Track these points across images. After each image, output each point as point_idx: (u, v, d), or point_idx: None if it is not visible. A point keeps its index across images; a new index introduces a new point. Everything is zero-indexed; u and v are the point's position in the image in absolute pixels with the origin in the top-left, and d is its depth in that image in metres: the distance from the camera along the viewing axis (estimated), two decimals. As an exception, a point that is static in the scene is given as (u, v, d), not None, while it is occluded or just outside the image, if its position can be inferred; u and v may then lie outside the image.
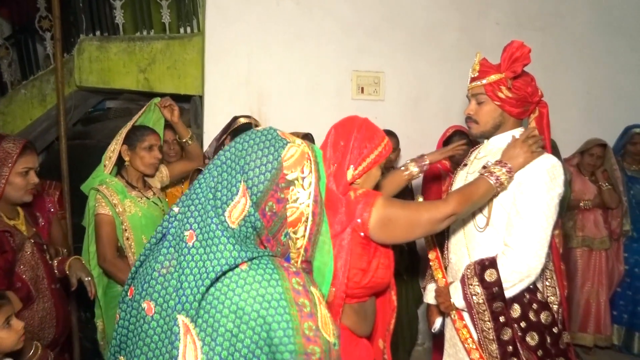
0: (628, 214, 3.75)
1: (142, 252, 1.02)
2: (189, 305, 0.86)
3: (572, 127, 3.86)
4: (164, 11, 4.06)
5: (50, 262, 2.12)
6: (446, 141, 3.28)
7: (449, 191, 2.00)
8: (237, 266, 0.90)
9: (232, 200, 0.92)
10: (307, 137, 2.94)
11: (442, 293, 1.85)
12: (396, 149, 3.21)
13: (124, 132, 2.43)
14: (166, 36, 4.03)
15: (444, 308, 1.85)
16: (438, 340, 2.25)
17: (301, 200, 0.98)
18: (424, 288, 2.11)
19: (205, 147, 3.39)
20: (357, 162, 1.54)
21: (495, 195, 1.72)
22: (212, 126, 3.48)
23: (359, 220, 1.47)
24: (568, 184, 3.69)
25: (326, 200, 1.36)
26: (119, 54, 4.09)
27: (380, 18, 3.73)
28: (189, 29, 3.98)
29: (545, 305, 1.77)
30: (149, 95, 4.62)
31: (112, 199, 2.31)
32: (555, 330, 1.76)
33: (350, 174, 1.54)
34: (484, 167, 1.67)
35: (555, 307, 1.80)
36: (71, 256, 2.19)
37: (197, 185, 0.97)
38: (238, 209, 0.92)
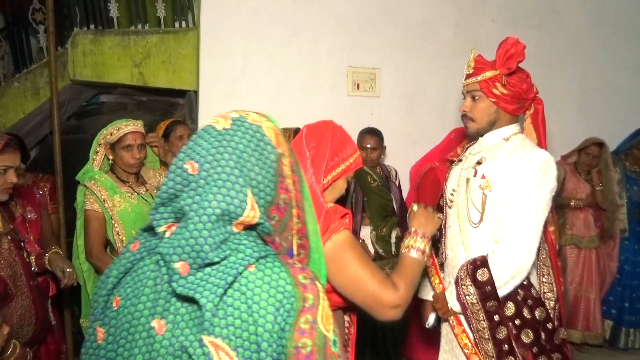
0: (626, 214, 3.77)
1: (121, 262, 0.97)
2: (207, 324, 0.84)
3: (567, 125, 3.88)
4: (159, 5, 4.04)
5: (27, 259, 2.09)
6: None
7: (446, 187, 2.00)
8: (245, 269, 0.87)
9: (242, 217, 0.88)
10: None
11: (439, 299, 1.85)
12: (377, 148, 3.17)
13: (99, 135, 2.44)
14: (161, 30, 4.01)
15: (442, 314, 1.85)
16: (431, 335, 2.25)
17: (287, 174, 0.98)
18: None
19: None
20: (326, 171, 1.41)
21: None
22: (207, 121, 3.46)
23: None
24: (561, 181, 3.70)
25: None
26: (113, 47, 4.06)
27: (376, 14, 3.72)
28: (184, 23, 3.95)
29: (539, 301, 1.77)
30: (143, 90, 4.61)
31: (100, 195, 2.34)
32: (549, 326, 1.77)
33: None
34: (403, 243, 1.52)
35: (552, 304, 1.81)
36: (52, 250, 2.16)
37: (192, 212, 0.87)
38: (246, 222, 0.89)
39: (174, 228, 0.90)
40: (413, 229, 1.52)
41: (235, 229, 0.88)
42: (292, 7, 3.60)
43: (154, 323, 0.89)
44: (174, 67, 3.87)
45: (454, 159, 2.89)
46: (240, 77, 3.58)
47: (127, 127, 2.40)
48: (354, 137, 3.18)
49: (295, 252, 1.02)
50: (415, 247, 1.48)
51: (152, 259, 0.95)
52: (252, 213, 0.88)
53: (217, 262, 0.85)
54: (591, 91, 4.09)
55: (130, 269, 0.96)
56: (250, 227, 0.91)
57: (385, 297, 1.31)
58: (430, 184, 3.20)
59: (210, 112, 3.53)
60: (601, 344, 3.81)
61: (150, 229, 0.96)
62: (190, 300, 0.86)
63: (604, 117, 4.04)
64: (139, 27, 4.12)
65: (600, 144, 3.71)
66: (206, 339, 0.83)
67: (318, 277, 0.96)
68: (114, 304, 0.95)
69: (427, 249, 1.50)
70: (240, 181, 0.88)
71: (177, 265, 0.85)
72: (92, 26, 4.26)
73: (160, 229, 0.91)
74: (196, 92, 3.63)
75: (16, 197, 2.16)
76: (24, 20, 4.70)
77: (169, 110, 4.84)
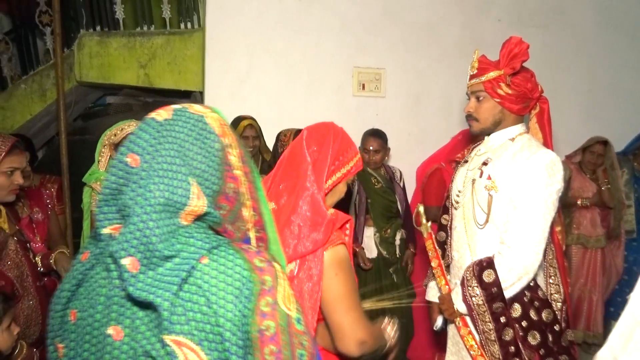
0: (634, 215, 3.74)
1: (72, 273, 0.94)
2: (166, 323, 0.82)
3: (573, 125, 3.86)
4: (165, 6, 4.05)
5: (33, 260, 2.10)
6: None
7: (451, 188, 1.99)
8: (198, 262, 0.85)
9: (188, 206, 0.85)
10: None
11: (446, 300, 1.84)
12: (380, 151, 3.16)
13: (104, 136, 2.44)
14: (166, 31, 4.02)
15: (448, 315, 1.84)
16: (439, 336, 2.25)
17: (235, 164, 0.95)
18: (426, 285, 2.11)
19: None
20: (327, 175, 1.36)
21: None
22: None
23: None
24: (567, 180, 3.68)
25: (310, 210, 1.28)
26: (119, 49, 4.07)
27: (381, 14, 3.72)
28: (189, 25, 3.96)
29: (546, 303, 1.76)
30: (149, 91, 4.63)
31: None
32: (556, 328, 1.76)
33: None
34: None
35: (559, 305, 1.80)
36: (58, 250, 2.17)
37: (134, 203, 0.84)
38: (193, 212, 0.86)
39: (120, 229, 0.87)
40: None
41: (183, 221, 0.86)
42: (296, 8, 3.60)
43: (109, 330, 0.87)
44: (180, 68, 3.88)
45: (461, 160, 2.90)
46: (245, 77, 3.59)
47: (130, 127, 2.40)
48: (359, 138, 3.21)
49: (254, 244, 1.00)
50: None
51: (103, 265, 0.92)
52: (199, 202, 0.86)
53: (168, 257, 0.83)
54: (597, 91, 4.06)
55: (82, 279, 0.94)
56: (199, 219, 0.89)
57: (358, 324, 1.25)
58: (436, 185, 3.20)
59: (216, 113, 3.54)
60: (601, 343, 3.77)
61: (98, 236, 0.93)
62: (146, 302, 0.83)
63: (610, 117, 4.02)
64: (145, 28, 4.13)
65: (605, 142, 3.69)
66: (167, 339, 0.82)
67: (276, 258, 0.94)
68: (71, 318, 0.92)
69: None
70: (183, 170, 0.86)
71: (126, 261, 0.82)
72: (98, 28, 4.28)
73: (104, 231, 0.88)
74: (201, 93, 3.64)
75: (24, 198, 2.18)
76: (31, 22, 4.72)
77: (175, 111, 4.84)
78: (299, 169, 1.35)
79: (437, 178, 3.22)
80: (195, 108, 0.95)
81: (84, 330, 0.90)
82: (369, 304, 1.55)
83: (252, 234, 1.00)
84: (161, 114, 0.92)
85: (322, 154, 1.37)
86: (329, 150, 1.37)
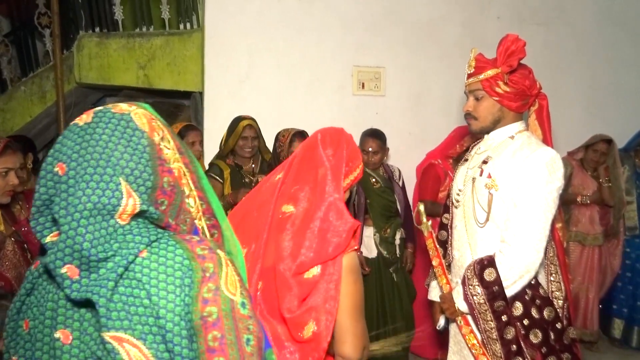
0: (636, 212, 3.73)
1: (24, 283, 0.94)
2: (104, 319, 0.81)
3: (574, 123, 3.85)
4: (164, 7, 4.04)
5: (30, 260, 2.10)
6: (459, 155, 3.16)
7: (451, 186, 1.99)
8: (136, 257, 0.84)
9: (120, 206, 0.84)
10: (302, 135, 2.96)
11: (447, 299, 1.83)
12: (379, 151, 3.14)
13: None
14: (166, 32, 4.01)
15: (450, 314, 1.83)
16: (441, 335, 2.24)
17: (171, 157, 0.94)
18: (428, 285, 2.10)
19: (206, 143, 3.38)
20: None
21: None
22: (213, 123, 3.47)
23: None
24: (567, 177, 3.67)
25: (334, 216, 1.28)
26: (118, 50, 4.07)
27: (382, 13, 3.71)
28: (188, 25, 3.96)
29: (548, 301, 1.76)
30: (149, 92, 4.62)
31: None
32: (558, 326, 1.75)
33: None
34: None
35: (560, 302, 1.79)
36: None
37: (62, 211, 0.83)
38: (127, 211, 0.85)
39: None
40: None
41: (121, 222, 0.85)
42: (296, 8, 3.60)
43: (57, 334, 0.86)
44: (179, 69, 3.88)
45: (454, 156, 2.90)
46: (245, 78, 3.58)
47: None
48: (359, 137, 3.21)
49: (207, 233, 1.00)
50: None
51: (43, 270, 0.92)
52: (130, 201, 0.85)
53: (106, 258, 0.82)
54: (598, 89, 4.05)
55: (31, 288, 0.93)
56: (139, 217, 0.88)
57: (355, 342, 1.28)
58: (432, 181, 3.25)
59: (216, 114, 3.55)
60: (596, 340, 3.77)
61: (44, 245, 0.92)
62: (89, 303, 0.83)
63: (611, 115, 4.01)
64: (144, 29, 4.13)
65: (609, 141, 3.67)
66: (106, 335, 0.81)
67: (219, 245, 0.94)
68: (24, 328, 0.92)
69: None
70: (109, 171, 0.85)
71: (64, 270, 0.81)
72: (97, 29, 4.28)
73: (46, 240, 0.87)
74: (201, 94, 3.63)
75: (22, 200, 2.18)
76: (30, 24, 4.72)
77: (174, 112, 4.85)
78: (316, 173, 1.35)
79: (431, 174, 3.27)
80: (119, 107, 0.93)
81: (36, 337, 0.89)
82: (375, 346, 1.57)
83: (203, 223, 1.00)
84: (82, 118, 0.91)
85: (337, 159, 1.37)
86: (342, 156, 1.37)
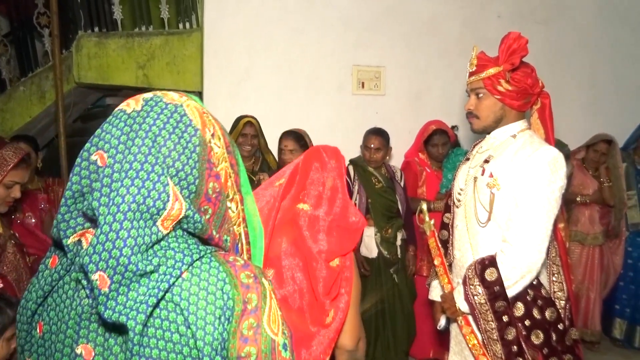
0: (638, 208, 3.71)
1: (39, 282, 0.84)
2: (137, 347, 0.73)
3: (576, 121, 3.84)
4: (163, 6, 4.03)
5: (29, 263, 2.11)
6: (427, 140, 3.33)
7: (453, 186, 1.98)
8: (177, 278, 0.75)
9: (165, 210, 0.74)
10: (291, 134, 2.96)
11: (448, 299, 1.82)
12: (381, 149, 3.13)
13: None
14: (165, 32, 4.00)
15: (450, 314, 1.82)
16: (442, 335, 2.23)
17: (220, 157, 0.85)
18: (429, 284, 2.09)
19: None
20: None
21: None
22: (212, 122, 3.46)
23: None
24: (568, 176, 3.66)
25: (353, 214, 1.33)
26: (117, 50, 4.06)
27: (381, 12, 3.70)
28: (187, 25, 3.95)
29: (549, 302, 1.74)
30: (148, 91, 4.61)
31: None
32: (560, 327, 1.74)
33: None
34: None
35: (562, 303, 1.78)
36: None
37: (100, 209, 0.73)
38: (172, 216, 0.75)
39: (89, 236, 0.77)
40: None
41: (162, 229, 0.75)
42: (296, 7, 3.58)
43: (79, 349, 0.77)
44: (178, 69, 3.87)
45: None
46: (244, 77, 3.57)
47: None
48: (359, 136, 3.20)
49: (244, 241, 0.93)
50: None
51: (73, 276, 0.81)
52: (177, 205, 0.75)
53: (145, 273, 0.72)
54: (600, 87, 4.04)
55: (50, 291, 0.84)
56: (180, 226, 0.79)
57: (353, 332, 1.33)
58: (410, 179, 3.33)
59: (215, 113, 3.47)
60: (598, 340, 3.75)
61: (65, 246, 0.82)
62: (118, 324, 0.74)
63: (612, 113, 3.99)
64: (143, 29, 4.12)
65: (609, 141, 3.66)
66: None
67: (264, 273, 0.84)
68: (38, 331, 0.83)
69: None
70: (157, 169, 0.75)
71: (95, 277, 0.71)
72: (96, 29, 4.26)
73: (68, 241, 0.78)
74: (200, 93, 3.62)
75: (18, 202, 2.19)
76: (29, 24, 4.71)
77: (174, 111, 4.83)
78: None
79: (409, 172, 3.35)
80: (170, 97, 0.83)
81: (54, 346, 0.81)
82: None
83: (241, 230, 0.92)
84: (130, 105, 0.81)
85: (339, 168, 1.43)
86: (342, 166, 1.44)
